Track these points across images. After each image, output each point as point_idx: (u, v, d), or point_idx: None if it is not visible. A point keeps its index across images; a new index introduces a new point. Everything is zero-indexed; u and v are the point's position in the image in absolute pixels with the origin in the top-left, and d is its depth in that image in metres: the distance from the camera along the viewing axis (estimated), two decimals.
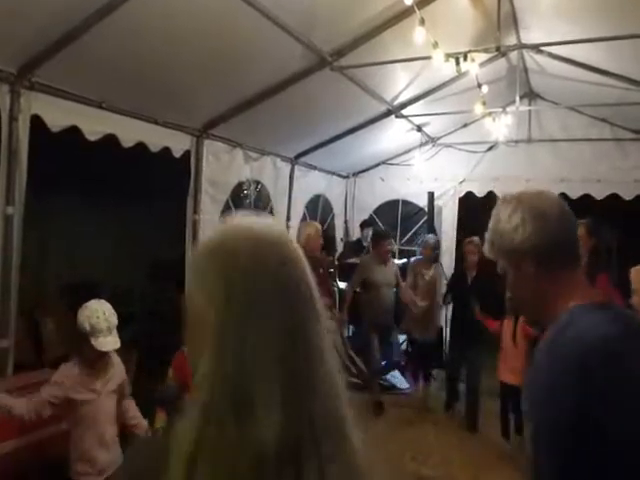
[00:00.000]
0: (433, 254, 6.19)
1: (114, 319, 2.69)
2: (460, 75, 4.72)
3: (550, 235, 1.26)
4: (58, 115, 3.46)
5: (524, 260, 1.27)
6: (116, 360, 2.86)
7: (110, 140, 3.84)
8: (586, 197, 6.36)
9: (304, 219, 6.96)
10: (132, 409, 2.97)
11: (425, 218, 7.46)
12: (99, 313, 2.62)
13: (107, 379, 2.77)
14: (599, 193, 6.36)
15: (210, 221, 4.98)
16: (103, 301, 2.72)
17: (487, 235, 1.37)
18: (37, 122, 3.34)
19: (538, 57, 5.26)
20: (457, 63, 3.86)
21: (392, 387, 6.41)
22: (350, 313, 6.06)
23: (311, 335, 0.78)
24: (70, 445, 2.70)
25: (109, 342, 2.64)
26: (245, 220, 0.85)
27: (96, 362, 2.71)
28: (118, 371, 2.87)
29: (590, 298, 1.23)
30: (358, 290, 6.06)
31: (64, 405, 2.64)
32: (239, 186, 5.72)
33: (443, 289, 6.14)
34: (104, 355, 2.71)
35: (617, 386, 1.04)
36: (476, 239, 5.25)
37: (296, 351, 0.75)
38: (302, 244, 5.00)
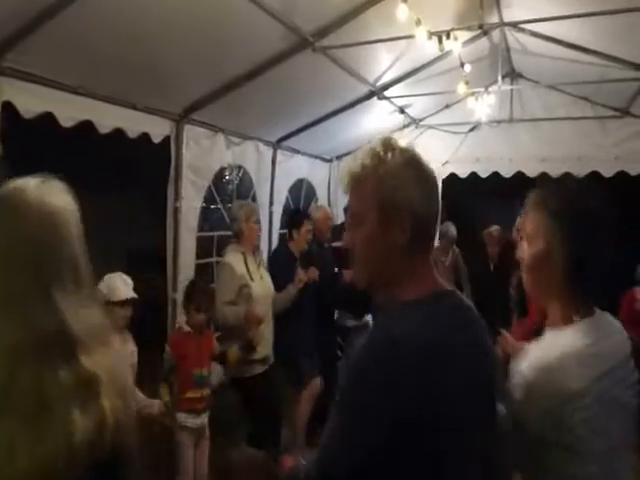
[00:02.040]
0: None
1: (130, 282, 3.06)
2: (443, 55, 4.67)
3: (430, 207, 1.23)
4: (31, 101, 3.32)
5: (396, 223, 1.19)
6: (131, 339, 3.13)
7: (86, 126, 3.72)
8: (567, 175, 6.39)
9: (287, 204, 6.90)
10: (137, 395, 3.08)
11: None
12: (117, 278, 3.01)
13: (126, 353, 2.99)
14: (580, 171, 6.39)
15: (192, 208, 4.89)
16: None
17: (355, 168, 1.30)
18: (9, 109, 3.21)
19: (520, 35, 5.23)
20: (440, 41, 3.81)
21: None
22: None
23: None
24: None
25: (128, 291, 3.01)
26: None
27: (118, 330, 2.94)
28: (133, 349, 3.12)
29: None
30: None
31: None
32: (221, 172, 5.63)
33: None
34: (125, 326, 3.03)
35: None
36: (495, 229, 5.16)
37: None
38: (313, 228, 4.87)
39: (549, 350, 1.30)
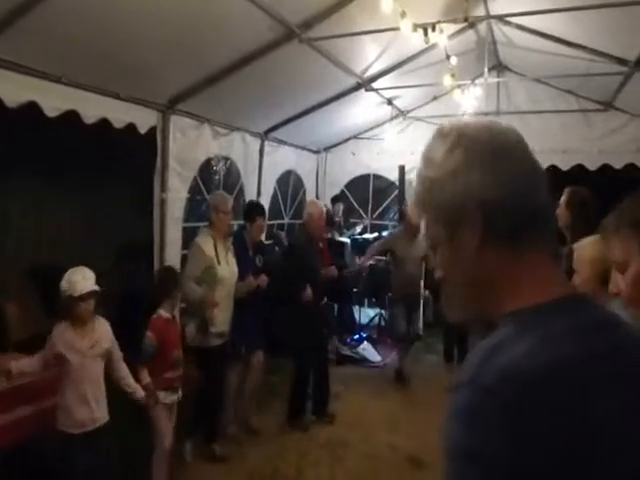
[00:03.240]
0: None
1: (91, 275, 3.09)
2: (429, 47, 4.68)
3: (508, 187, 0.84)
4: (15, 90, 3.30)
5: (464, 223, 0.85)
6: (104, 326, 3.21)
7: (71, 116, 3.70)
8: (552, 168, 6.45)
9: (275, 195, 6.91)
10: (127, 375, 3.33)
11: (396, 192, 7.49)
12: (77, 273, 3.02)
13: (93, 342, 3.08)
14: (565, 164, 6.46)
15: (178, 199, 4.89)
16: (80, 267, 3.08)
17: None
18: None
19: (506, 29, 5.27)
20: (425, 34, 3.83)
21: (364, 360, 6.51)
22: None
23: None
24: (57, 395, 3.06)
25: (88, 285, 3.01)
26: None
27: (83, 322, 3.05)
28: (105, 336, 3.19)
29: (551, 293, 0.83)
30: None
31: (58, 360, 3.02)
32: (208, 163, 5.62)
33: None
34: (91, 317, 3.09)
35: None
36: None
37: None
38: (305, 223, 5.06)
39: None
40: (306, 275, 4.77)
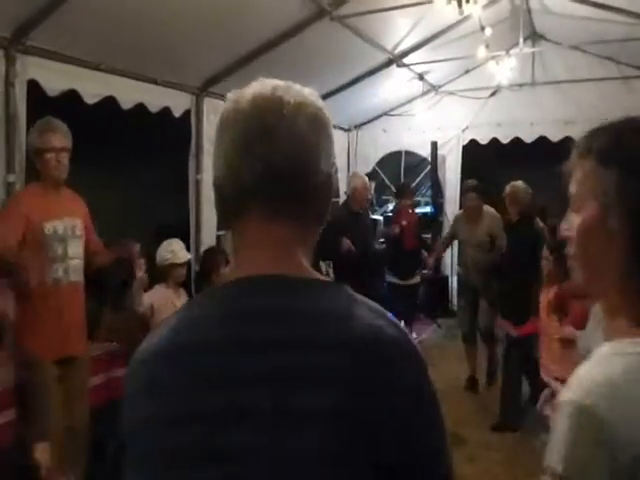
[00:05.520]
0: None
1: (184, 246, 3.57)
2: (462, 19, 4.59)
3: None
4: (55, 79, 3.40)
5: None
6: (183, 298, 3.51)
7: (109, 102, 3.78)
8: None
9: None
10: None
11: (429, 168, 7.42)
12: (174, 244, 3.46)
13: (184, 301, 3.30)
14: None
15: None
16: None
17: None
18: (34, 87, 3.28)
19: None
20: (459, 5, 3.75)
21: None
22: None
23: None
24: None
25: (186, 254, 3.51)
26: None
27: (178, 285, 3.46)
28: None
29: None
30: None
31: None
32: None
33: None
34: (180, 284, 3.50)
35: None
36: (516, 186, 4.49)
37: None
38: (350, 196, 5.16)
39: (612, 376, 0.76)
40: (350, 249, 4.79)
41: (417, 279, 5.93)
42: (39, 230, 2.70)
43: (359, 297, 0.77)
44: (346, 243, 4.73)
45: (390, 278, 5.81)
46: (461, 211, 5.34)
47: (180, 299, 3.42)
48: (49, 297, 2.73)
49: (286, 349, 0.69)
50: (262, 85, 0.82)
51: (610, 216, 0.82)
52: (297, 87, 0.82)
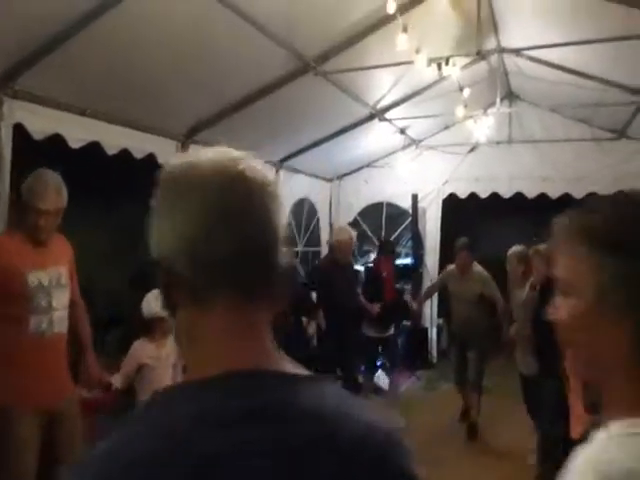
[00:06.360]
0: None
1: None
2: (442, 78, 4.78)
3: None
4: (41, 123, 3.43)
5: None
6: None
7: (94, 147, 3.81)
8: (566, 196, 6.46)
9: (289, 224, 6.96)
10: None
11: (409, 220, 7.53)
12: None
13: (168, 352, 3.32)
14: (579, 192, 6.46)
15: None
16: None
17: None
18: (20, 130, 3.31)
19: (518, 59, 5.35)
20: (439, 68, 3.91)
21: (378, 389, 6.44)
22: None
23: None
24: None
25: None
26: None
27: (164, 337, 3.34)
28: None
29: None
30: None
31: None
32: None
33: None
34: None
35: None
36: (543, 247, 4.05)
37: None
38: (334, 249, 5.27)
39: (605, 465, 0.73)
40: (333, 299, 4.90)
41: (392, 330, 5.88)
42: (22, 282, 2.56)
43: (343, 391, 0.77)
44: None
45: (367, 331, 5.71)
46: (453, 266, 5.44)
47: (166, 348, 3.37)
48: (31, 349, 2.58)
49: (296, 452, 0.66)
50: (220, 157, 0.78)
51: (608, 305, 0.78)
52: (254, 161, 0.79)
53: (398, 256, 7.92)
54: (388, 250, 6.12)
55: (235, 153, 0.79)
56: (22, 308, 2.58)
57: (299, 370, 0.76)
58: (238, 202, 0.72)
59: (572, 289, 0.83)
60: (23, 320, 2.57)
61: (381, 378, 6.61)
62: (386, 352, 5.95)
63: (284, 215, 0.79)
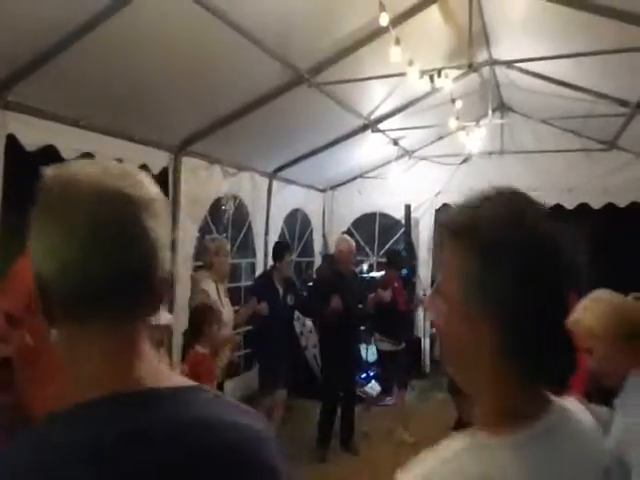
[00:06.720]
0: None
1: None
2: (434, 90, 4.82)
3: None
4: (34, 134, 3.41)
5: None
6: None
7: (87, 158, 3.80)
8: (558, 207, 6.51)
9: (282, 234, 6.97)
10: None
11: (402, 230, 7.55)
12: None
13: None
14: (570, 203, 6.52)
15: (188, 237, 4.95)
16: None
17: None
18: (12, 142, 3.29)
19: (509, 72, 5.41)
20: (431, 80, 3.95)
21: (371, 399, 6.43)
22: None
23: None
24: None
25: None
26: None
27: None
28: None
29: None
30: None
31: None
32: (217, 202, 5.71)
33: None
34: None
35: None
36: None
37: None
38: (335, 258, 5.30)
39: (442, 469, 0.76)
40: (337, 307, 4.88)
41: (404, 344, 5.76)
42: None
43: (215, 397, 0.78)
44: (336, 301, 4.82)
45: (382, 345, 5.64)
46: None
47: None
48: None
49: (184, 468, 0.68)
50: (100, 173, 0.73)
51: (469, 305, 0.75)
52: (139, 175, 0.76)
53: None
54: (397, 261, 5.94)
55: (119, 168, 0.75)
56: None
57: (180, 380, 0.77)
58: (113, 223, 0.70)
59: (441, 287, 0.82)
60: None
61: (374, 388, 6.60)
62: (397, 366, 5.71)
63: (167, 230, 0.77)
